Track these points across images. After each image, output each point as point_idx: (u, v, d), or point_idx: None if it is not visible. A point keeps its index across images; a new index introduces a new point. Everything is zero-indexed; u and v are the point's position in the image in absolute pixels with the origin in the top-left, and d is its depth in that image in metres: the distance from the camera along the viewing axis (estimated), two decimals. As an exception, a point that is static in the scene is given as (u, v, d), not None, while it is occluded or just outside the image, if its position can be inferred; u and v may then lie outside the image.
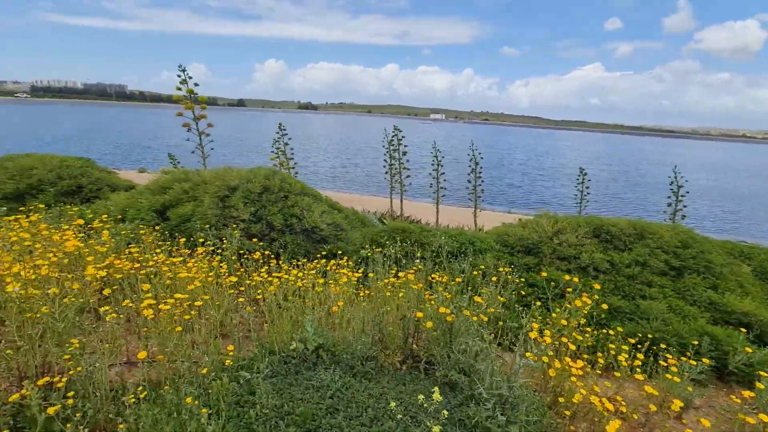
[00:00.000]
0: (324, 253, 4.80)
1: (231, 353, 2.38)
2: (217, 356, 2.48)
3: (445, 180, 10.00)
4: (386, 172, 10.54)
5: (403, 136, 9.84)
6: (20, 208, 5.27)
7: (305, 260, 4.43)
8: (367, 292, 3.40)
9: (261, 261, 4.11)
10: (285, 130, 10.74)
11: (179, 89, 6.48)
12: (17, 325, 2.12)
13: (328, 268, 4.07)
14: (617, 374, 2.68)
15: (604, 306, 3.56)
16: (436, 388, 1.94)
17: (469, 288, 3.33)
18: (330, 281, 3.49)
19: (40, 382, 1.60)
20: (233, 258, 4.15)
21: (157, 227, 4.85)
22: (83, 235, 3.54)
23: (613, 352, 3.22)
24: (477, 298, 2.76)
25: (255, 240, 4.78)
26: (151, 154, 38.84)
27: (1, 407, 1.66)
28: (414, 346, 3.01)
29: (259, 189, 5.44)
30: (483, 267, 4.01)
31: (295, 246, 5.00)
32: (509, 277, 3.77)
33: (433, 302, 2.96)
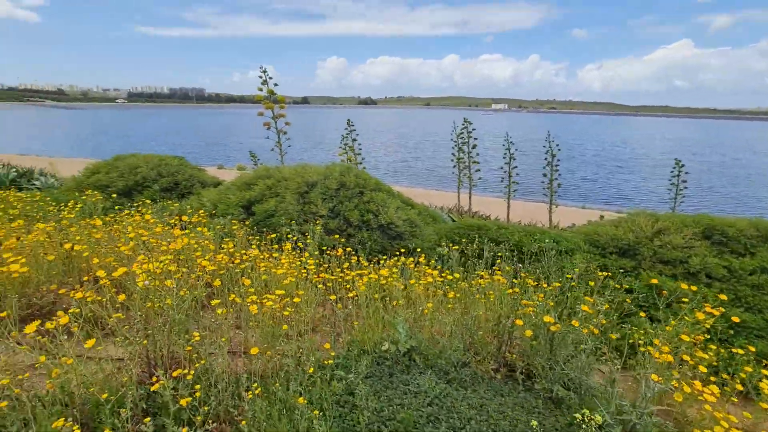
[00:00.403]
0: (402, 250, 4.74)
1: (329, 352, 2.40)
2: (316, 353, 2.52)
3: (517, 174, 9.48)
4: (454, 166, 10.25)
5: (473, 129, 9.48)
6: (130, 204, 5.88)
7: (385, 257, 4.41)
8: (452, 294, 3.27)
9: (343, 257, 4.16)
10: (353, 126, 10.88)
11: (260, 89, 6.80)
12: (140, 315, 2.32)
13: (409, 265, 4.00)
14: (763, 405, 2.27)
15: (735, 319, 3.07)
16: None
17: (569, 294, 3.06)
18: (415, 280, 3.41)
19: (175, 373, 1.71)
20: (316, 253, 4.26)
21: (245, 222, 5.14)
22: (188, 231, 3.82)
23: (744, 375, 2.78)
24: (585, 307, 2.51)
25: (336, 236, 4.87)
26: (226, 151, 41.94)
27: (137, 392, 1.80)
28: (507, 353, 2.83)
29: (336, 185, 5.54)
30: (577, 270, 3.67)
31: (371, 242, 5.01)
32: (610, 282, 3.41)
33: (530, 309, 2.75)
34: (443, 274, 3.53)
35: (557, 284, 3.02)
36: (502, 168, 9.55)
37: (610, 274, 3.65)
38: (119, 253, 3.11)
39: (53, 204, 5.82)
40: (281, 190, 5.55)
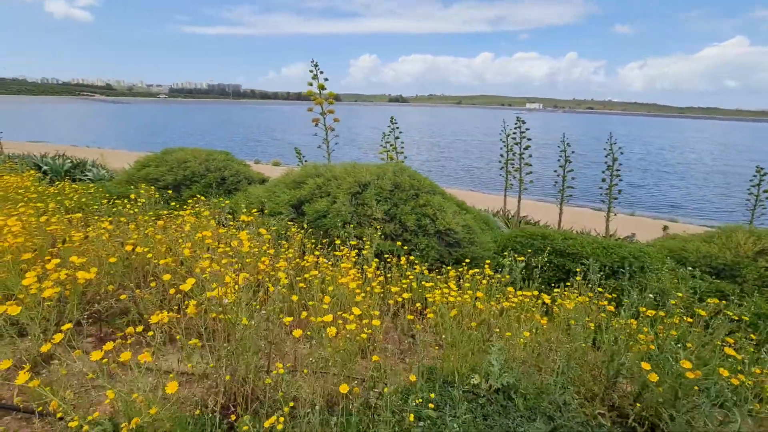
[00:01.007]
0: (467, 260, 4.36)
1: (412, 380, 2.07)
2: (395, 379, 2.19)
3: (573, 179, 8.85)
4: (501, 168, 9.71)
5: (527, 128, 8.92)
6: (178, 197, 5.79)
7: (449, 268, 4.04)
8: (539, 317, 2.86)
9: (405, 266, 3.84)
10: (396, 123, 10.55)
11: (310, 84, 6.58)
12: (209, 333, 2.08)
13: (471, 277, 3.61)
14: None
15: None
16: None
17: (674, 321, 2.58)
18: (502, 301, 3.03)
19: (267, 423, 1.43)
20: (375, 261, 3.95)
21: (296, 222, 4.92)
22: (251, 236, 3.60)
23: None
24: (730, 351, 2.05)
25: (396, 242, 4.55)
26: (261, 147, 42.71)
27: (219, 425, 1.54)
28: (615, 396, 2.41)
29: (390, 186, 5.22)
30: (680, 294, 3.17)
31: (429, 249, 4.66)
32: (728, 312, 2.90)
33: (647, 345, 2.31)
34: (525, 293, 3.12)
35: (676, 319, 2.55)
36: (555, 171, 8.94)
37: (724, 302, 3.12)
38: (179, 253, 2.91)
39: (107, 196, 5.82)
40: (332, 190, 5.28)
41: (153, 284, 2.48)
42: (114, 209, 5.14)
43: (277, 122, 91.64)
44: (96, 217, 4.52)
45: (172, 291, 2.44)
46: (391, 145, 10.52)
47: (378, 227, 4.74)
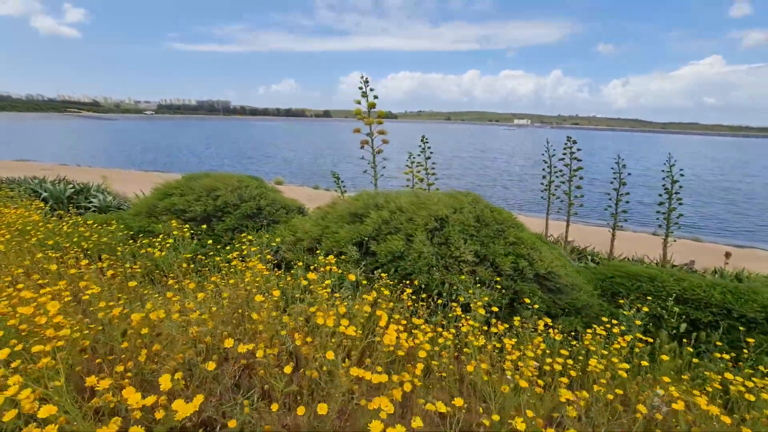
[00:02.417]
0: (584, 319, 3.58)
1: None
2: None
3: (627, 202, 8.21)
4: (544, 189, 9.05)
5: (578, 149, 8.30)
6: (211, 232, 4.95)
7: (559, 324, 3.25)
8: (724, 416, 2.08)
9: (533, 327, 3.04)
10: (428, 141, 9.89)
11: (358, 102, 5.84)
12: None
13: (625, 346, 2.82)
14: None
15: None
16: None
17: None
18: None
19: None
20: (483, 319, 3.15)
21: (366, 266, 4.10)
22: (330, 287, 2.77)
23: None
24: None
25: (498, 292, 3.75)
26: (255, 163, 41.73)
27: None
28: None
29: (473, 221, 4.45)
30: None
31: (534, 297, 3.86)
32: None
33: None
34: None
35: None
36: (608, 194, 8.31)
37: None
38: (282, 340, 2.08)
39: (126, 232, 4.93)
40: (403, 225, 4.49)
41: (274, 406, 1.63)
42: (142, 250, 4.27)
43: (269, 137, 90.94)
44: (129, 266, 3.64)
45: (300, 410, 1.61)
46: (421, 166, 9.80)
47: (463, 271, 3.96)
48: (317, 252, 4.63)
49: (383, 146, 6.19)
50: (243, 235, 4.65)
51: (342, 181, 7.38)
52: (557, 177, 8.96)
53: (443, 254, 4.14)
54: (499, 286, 3.83)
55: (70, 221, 5.00)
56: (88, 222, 4.90)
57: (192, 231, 5.13)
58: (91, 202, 7.96)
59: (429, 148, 9.83)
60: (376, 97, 5.87)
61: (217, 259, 3.66)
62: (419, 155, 9.78)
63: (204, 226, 5.33)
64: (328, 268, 3.39)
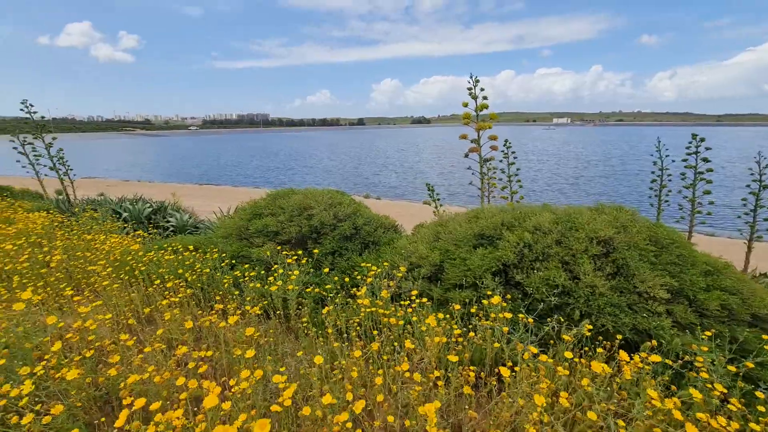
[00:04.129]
0: None
1: None
2: None
3: (762, 206, 6.90)
4: (655, 195, 7.87)
5: (707, 148, 7.13)
6: (308, 258, 4.37)
7: None
8: None
9: None
10: (511, 145, 8.98)
11: (465, 105, 5.12)
12: None
13: None
14: None
15: None
16: None
17: None
18: None
19: None
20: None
21: (514, 302, 3.33)
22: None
23: None
24: None
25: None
26: (299, 174, 42.17)
27: None
28: None
29: (647, 242, 3.57)
30: None
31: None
32: None
33: None
34: None
35: None
36: (744, 200, 7.03)
37: None
38: None
39: (229, 261, 4.46)
40: (552, 249, 3.67)
41: None
42: (251, 284, 3.73)
43: (308, 148, 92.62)
44: (248, 308, 3.08)
45: None
46: (503, 172, 8.89)
47: (660, 311, 3.08)
48: (442, 282, 3.93)
49: (492, 153, 5.40)
50: (364, 264, 4.02)
51: (437, 194, 6.66)
52: (670, 180, 7.77)
53: (620, 288, 3.29)
54: (708, 333, 2.92)
55: (166, 245, 4.61)
56: (189, 248, 4.48)
57: (287, 254, 4.60)
58: (168, 221, 7.76)
59: (513, 153, 8.92)
60: (485, 98, 5.11)
61: (363, 301, 3.02)
62: (501, 161, 8.89)
63: (300, 252, 4.80)
64: (499, 314, 2.65)
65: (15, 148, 8.12)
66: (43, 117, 8.50)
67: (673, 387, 2.24)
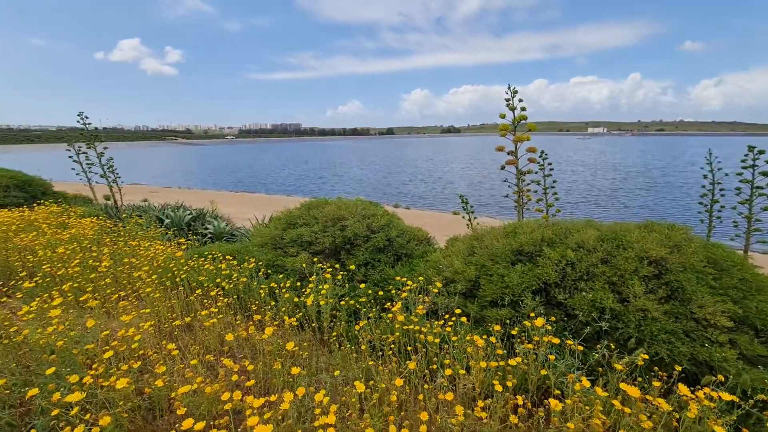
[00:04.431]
0: None
1: None
2: None
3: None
4: (706, 211, 7.37)
5: (767, 161, 6.63)
6: (344, 271, 4.35)
7: None
8: None
9: None
10: (546, 156, 8.68)
11: (503, 117, 5.00)
12: None
13: None
14: None
15: None
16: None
17: None
18: None
19: None
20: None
21: (559, 326, 3.15)
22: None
23: None
24: None
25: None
26: (328, 183, 42.82)
27: None
28: None
29: (704, 264, 3.31)
30: None
31: None
32: None
33: None
34: None
35: None
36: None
37: None
38: None
39: (264, 270, 4.52)
40: (598, 269, 3.47)
41: None
42: (286, 294, 3.75)
43: (338, 157, 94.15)
44: (287, 318, 3.09)
45: None
46: (539, 185, 8.59)
47: (722, 341, 2.82)
48: (477, 299, 3.80)
49: (530, 166, 5.24)
50: (398, 278, 3.96)
51: (471, 206, 6.53)
52: (722, 195, 7.25)
53: (675, 313, 3.05)
54: None
55: (206, 253, 4.74)
56: (228, 257, 4.59)
57: (321, 266, 4.61)
58: (207, 228, 8.03)
59: (550, 164, 8.63)
60: (524, 109, 4.98)
61: (398, 317, 2.96)
62: (536, 172, 8.60)
63: (335, 264, 4.80)
64: (543, 338, 2.51)
65: (70, 156, 8.69)
66: (96, 128, 9.08)
67: (745, 430, 2.02)
